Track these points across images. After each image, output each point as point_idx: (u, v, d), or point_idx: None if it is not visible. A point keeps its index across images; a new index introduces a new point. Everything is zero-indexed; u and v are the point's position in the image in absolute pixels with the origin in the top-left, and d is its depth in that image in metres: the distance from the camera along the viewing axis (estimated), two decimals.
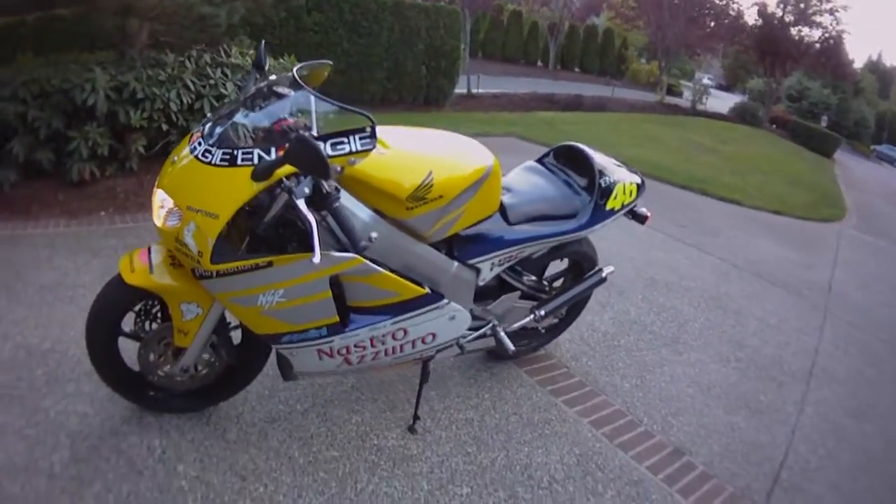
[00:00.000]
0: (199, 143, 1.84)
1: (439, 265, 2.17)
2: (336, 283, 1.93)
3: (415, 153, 2.12)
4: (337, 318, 1.96)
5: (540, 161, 2.85)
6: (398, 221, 2.02)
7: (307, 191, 1.68)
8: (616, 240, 5.17)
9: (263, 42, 2.13)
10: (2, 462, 2.03)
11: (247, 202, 1.77)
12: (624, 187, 2.70)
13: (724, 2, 24.70)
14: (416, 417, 2.47)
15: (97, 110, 4.24)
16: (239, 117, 1.91)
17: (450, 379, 2.91)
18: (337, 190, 1.74)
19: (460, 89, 13.66)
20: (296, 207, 1.65)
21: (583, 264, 2.91)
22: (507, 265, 2.44)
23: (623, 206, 2.72)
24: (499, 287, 2.58)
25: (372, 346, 2.10)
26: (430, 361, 2.41)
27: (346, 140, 1.78)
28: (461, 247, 2.25)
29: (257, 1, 5.97)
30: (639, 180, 2.83)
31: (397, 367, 2.37)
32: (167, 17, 4.96)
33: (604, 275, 2.86)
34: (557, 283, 2.97)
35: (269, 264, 1.80)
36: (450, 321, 2.22)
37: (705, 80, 26.59)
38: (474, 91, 14.37)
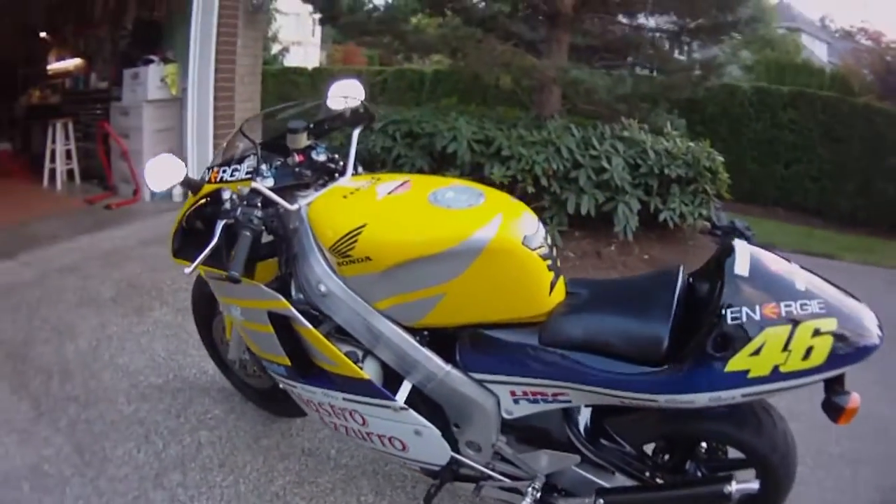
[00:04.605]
0: None
1: (417, 359, 1.68)
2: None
3: (380, 200, 1.72)
4: (287, 361, 1.79)
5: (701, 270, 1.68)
6: (346, 280, 1.70)
7: (232, 214, 1.64)
8: None
9: None
10: (143, 363, 2.78)
11: (193, 206, 1.87)
12: (791, 338, 1.37)
13: None
14: None
15: (458, 158, 4.24)
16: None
17: None
18: (251, 222, 1.61)
19: None
20: (213, 223, 1.66)
21: (722, 457, 1.76)
22: (549, 406, 1.65)
23: (779, 375, 1.40)
24: (566, 440, 1.74)
25: (335, 415, 1.83)
26: (439, 486, 1.86)
27: (238, 168, 1.81)
28: (466, 351, 1.68)
29: (670, 77, 5.28)
30: (874, 336, 1.38)
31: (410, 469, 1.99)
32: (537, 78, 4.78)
33: (726, 490, 1.59)
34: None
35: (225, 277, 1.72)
36: (416, 435, 1.72)
37: None
38: None
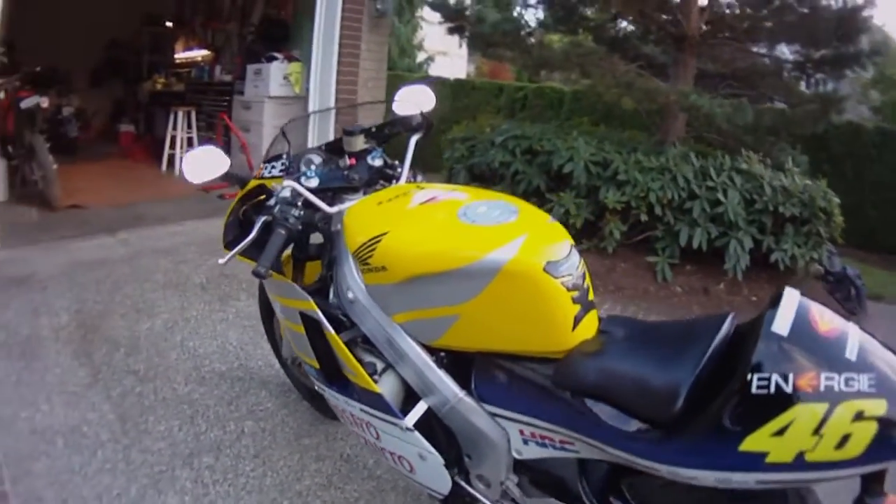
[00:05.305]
0: None
1: (431, 380, 1.59)
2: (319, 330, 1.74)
3: (409, 209, 1.66)
4: (317, 364, 1.79)
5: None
6: (367, 289, 1.65)
7: (273, 210, 1.63)
8: None
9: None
10: (213, 349, 2.85)
11: (240, 200, 1.96)
12: (826, 419, 1.09)
13: None
14: None
15: (574, 179, 4.19)
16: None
17: None
18: (287, 220, 1.61)
19: None
20: (255, 216, 1.68)
21: None
22: (558, 453, 1.49)
23: (802, 464, 1.12)
24: (577, 493, 1.55)
25: (355, 425, 1.79)
26: None
27: (274, 165, 1.87)
28: (482, 380, 1.57)
29: (793, 110, 5.05)
30: None
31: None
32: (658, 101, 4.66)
33: None
34: None
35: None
36: (420, 459, 1.64)
37: None
38: None
